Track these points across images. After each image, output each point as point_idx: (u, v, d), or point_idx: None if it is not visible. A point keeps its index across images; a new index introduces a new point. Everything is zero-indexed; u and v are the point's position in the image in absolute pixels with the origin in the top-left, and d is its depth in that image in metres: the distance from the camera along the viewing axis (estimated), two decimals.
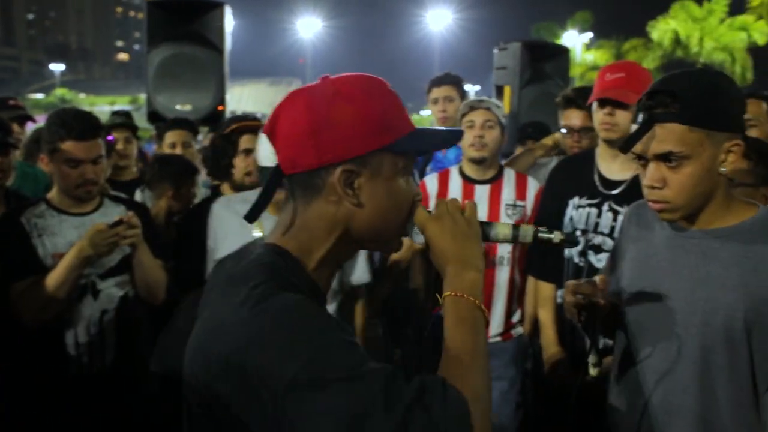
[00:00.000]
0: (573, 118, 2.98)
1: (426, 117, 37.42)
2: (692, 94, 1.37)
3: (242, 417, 0.90)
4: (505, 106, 5.36)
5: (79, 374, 2.24)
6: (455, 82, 3.75)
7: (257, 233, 2.18)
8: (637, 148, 1.42)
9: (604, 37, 36.35)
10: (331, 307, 2.28)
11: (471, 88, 52.29)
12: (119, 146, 3.56)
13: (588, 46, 36.27)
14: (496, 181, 2.80)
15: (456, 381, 0.92)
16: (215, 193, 2.99)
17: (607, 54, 33.14)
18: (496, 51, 5.65)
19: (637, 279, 1.58)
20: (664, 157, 1.38)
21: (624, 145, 1.46)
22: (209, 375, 0.94)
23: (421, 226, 1.09)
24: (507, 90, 5.40)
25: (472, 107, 2.75)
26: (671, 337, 1.47)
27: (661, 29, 31.04)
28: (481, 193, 2.77)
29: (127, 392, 2.34)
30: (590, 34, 36.90)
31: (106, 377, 2.29)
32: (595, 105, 2.37)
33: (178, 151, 3.22)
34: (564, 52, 5.74)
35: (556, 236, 1.12)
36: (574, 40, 34.12)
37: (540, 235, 1.12)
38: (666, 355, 1.48)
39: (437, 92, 3.72)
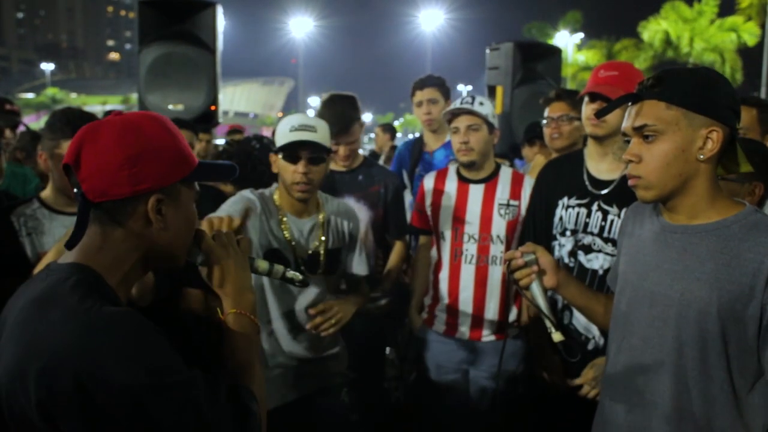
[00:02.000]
0: (552, 109, 3.15)
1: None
2: (678, 78, 1.44)
3: (69, 424, 0.98)
4: (497, 105, 5.37)
5: None
6: (438, 84, 3.76)
7: (283, 231, 2.29)
8: (623, 126, 1.50)
9: (596, 38, 36.50)
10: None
11: (463, 88, 52.36)
12: None
13: (579, 47, 36.39)
14: (491, 180, 2.81)
15: (248, 383, 1.18)
16: (215, 194, 3.02)
17: (599, 54, 33.26)
18: (488, 51, 5.66)
19: (626, 273, 1.62)
20: (641, 132, 1.44)
21: (601, 110, 1.55)
22: (31, 387, 0.99)
23: (207, 250, 1.27)
24: (499, 90, 5.42)
25: (455, 113, 2.75)
26: (653, 330, 1.50)
27: (652, 30, 31.17)
28: (476, 192, 2.79)
29: None
30: (581, 35, 37.04)
31: None
32: (585, 99, 2.38)
33: None
34: (556, 52, 5.75)
35: (296, 276, 1.42)
36: (566, 40, 34.21)
37: (286, 274, 1.42)
38: (648, 348, 1.51)
39: (420, 95, 3.73)
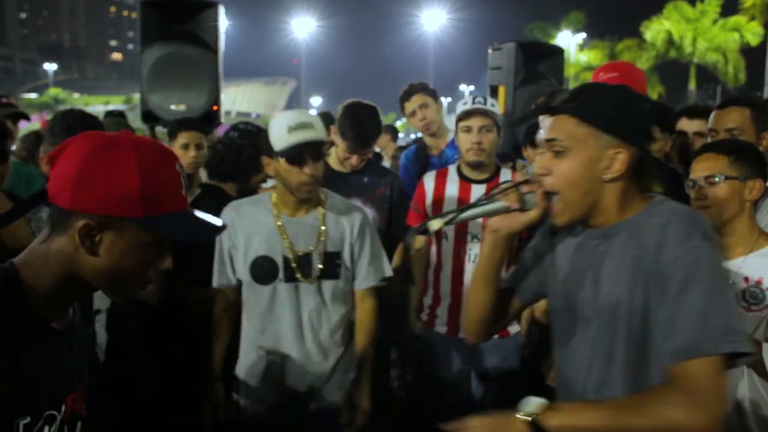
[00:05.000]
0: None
1: None
2: (592, 96, 1.43)
3: None
4: (499, 106, 5.37)
5: None
6: (423, 89, 3.75)
7: (274, 233, 2.22)
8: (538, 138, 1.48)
9: (598, 38, 36.50)
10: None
11: (465, 88, 52.33)
12: None
13: (582, 47, 36.39)
14: (492, 180, 2.82)
15: None
16: (214, 192, 3.00)
17: (601, 54, 33.28)
18: (490, 51, 5.66)
19: (554, 283, 1.57)
20: (551, 146, 1.43)
21: (517, 120, 1.56)
22: None
23: None
24: (501, 90, 5.41)
25: (470, 113, 2.75)
26: (585, 339, 1.47)
27: (655, 30, 31.17)
28: (478, 191, 2.78)
29: (119, 392, 2.34)
30: (584, 35, 37.03)
31: (99, 375, 2.28)
32: None
33: (191, 152, 3.19)
34: (558, 52, 5.74)
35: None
36: (568, 40, 34.20)
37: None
38: (581, 358, 1.48)
39: (410, 105, 3.72)
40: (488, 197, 1.52)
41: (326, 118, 3.95)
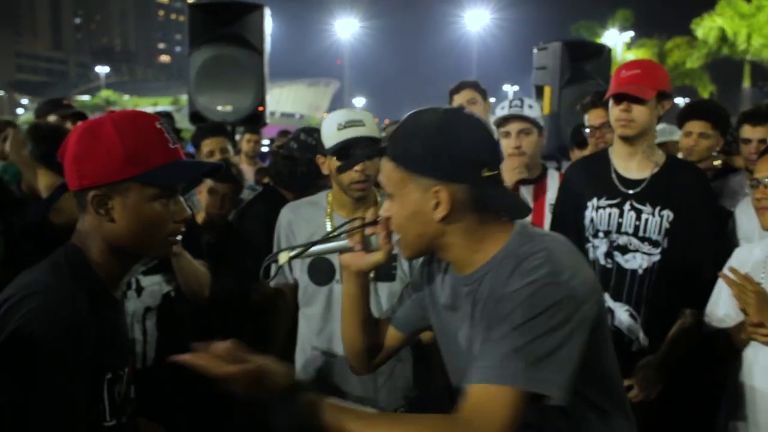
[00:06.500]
0: (592, 118, 3.09)
1: None
2: (403, 136, 1.33)
3: None
4: (545, 106, 5.30)
5: None
6: (474, 85, 3.78)
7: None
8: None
9: (646, 36, 35.64)
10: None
11: (509, 89, 51.78)
12: None
13: (629, 45, 35.60)
14: (539, 181, 2.80)
15: None
16: (270, 194, 3.04)
17: (649, 53, 32.48)
18: (535, 51, 5.60)
19: (433, 315, 1.52)
20: (382, 189, 1.38)
21: (346, 163, 1.75)
22: None
23: None
24: (547, 90, 5.35)
25: (506, 118, 2.72)
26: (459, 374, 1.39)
27: (707, 27, 30.29)
28: (525, 193, 2.77)
29: (169, 388, 2.39)
30: (631, 33, 36.20)
31: (148, 373, 2.34)
32: (611, 102, 2.35)
33: (216, 158, 3.26)
34: (605, 51, 5.65)
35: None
36: (615, 39, 33.51)
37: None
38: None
39: (458, 98, 3.73)
40: (335, 234, 1.51)
41: None
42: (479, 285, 1.34)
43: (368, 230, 1.46)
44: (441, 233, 1.32)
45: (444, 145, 1.28)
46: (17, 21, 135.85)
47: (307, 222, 2.26)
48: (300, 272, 2.27)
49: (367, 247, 1.46)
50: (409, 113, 1.37)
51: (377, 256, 1.46)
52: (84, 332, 1.19)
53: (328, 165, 2.19)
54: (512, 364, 1.17)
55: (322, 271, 2.21)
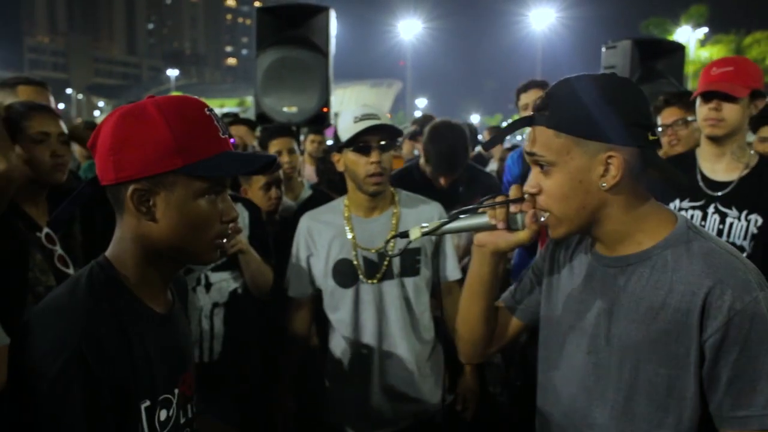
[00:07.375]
0: (665, 116, 2.99)
1: None
2: (563, 100, 1.24)
3: None
4: None
5: None
6: (542, 85, 3.76)
7: (349, 236, 2.22)
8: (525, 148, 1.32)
9: (722, 32, 34.11)
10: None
11: None
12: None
13: (703, 42, 34.17)
14: None
15: None
16: (319, 197, 3.09)
17: (725, 49, 31.07)
18: (604, 49, 5.44)
19: (556, 311, 1.42)
20: (534, 161, 1.28)
21: (488, 142, 1.45)
22: None
23: None
24: None
25: None
26: (593, 379, 1.31)
27: None
28: None
29: (234, 382, 2.45)
30: (705, 29, 34.73)
31: (215, 367, 2.39)
32: (699, 100, 2.26)
33: (284, 158, 3.33)
34: (678, 49, 5.43)
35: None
36: (688, 35, 32.23)
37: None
38: (593, 399, 1.31)
39: (525, 98, 3.73)
40: (476, 210, 1.39)
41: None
42: (638, 267, 1.26)
43: (513, 207, 1.34)
44: (603, 204, 1.24)
45: (614, 107, 1.21)
46: (96, 28, 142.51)
47: (326, 226, 2.27)
48: (323, 278, 2.26)
49: (511, 225, 1.34)
50: (556, 82, 1.30)
51: (521, 236, 1.33)
52: (101, 362, 1.02)
53: (344, 160, 2.20)
54: None
55: (345, 274, 2.22)
